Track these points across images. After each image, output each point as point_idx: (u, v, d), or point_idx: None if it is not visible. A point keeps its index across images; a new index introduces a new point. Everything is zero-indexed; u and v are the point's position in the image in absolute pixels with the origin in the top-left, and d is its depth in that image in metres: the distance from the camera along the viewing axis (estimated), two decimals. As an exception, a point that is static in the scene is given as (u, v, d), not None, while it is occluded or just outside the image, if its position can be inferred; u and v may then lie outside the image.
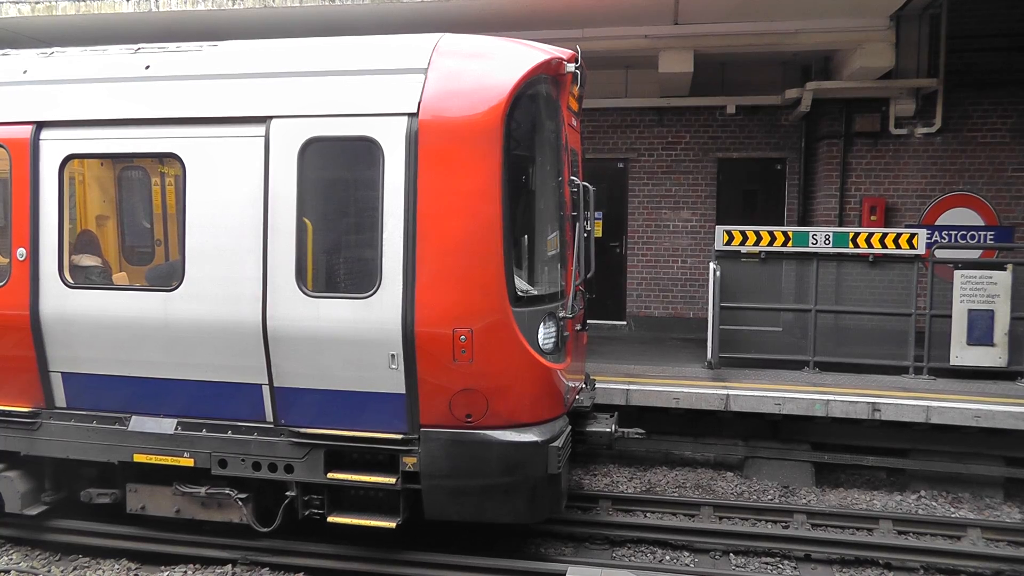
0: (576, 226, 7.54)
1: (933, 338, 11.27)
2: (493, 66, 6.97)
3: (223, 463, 7.41)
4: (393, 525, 7.18)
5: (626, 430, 8.28)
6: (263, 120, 7.09)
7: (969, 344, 11.11)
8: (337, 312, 6.96)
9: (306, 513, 7.45)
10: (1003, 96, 13.22)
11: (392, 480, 7.09)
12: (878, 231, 11.60)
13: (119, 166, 9.16)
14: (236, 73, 7.40)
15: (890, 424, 10.09)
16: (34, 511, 8.01)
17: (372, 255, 6.93)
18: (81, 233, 8.54)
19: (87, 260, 8.05)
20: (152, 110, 7.35)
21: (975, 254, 12.86)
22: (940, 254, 11.95)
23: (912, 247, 11.37)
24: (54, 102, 7.61)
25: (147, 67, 7.58)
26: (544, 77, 7.07)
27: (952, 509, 9.76)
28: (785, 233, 11.54)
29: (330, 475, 7.22)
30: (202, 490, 7.60)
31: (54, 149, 7.53)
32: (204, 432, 7.43)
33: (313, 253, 7.22)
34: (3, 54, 8.25)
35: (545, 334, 7.14)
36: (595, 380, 9.30)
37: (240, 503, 7.54)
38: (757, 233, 11.43)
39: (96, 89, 7.55)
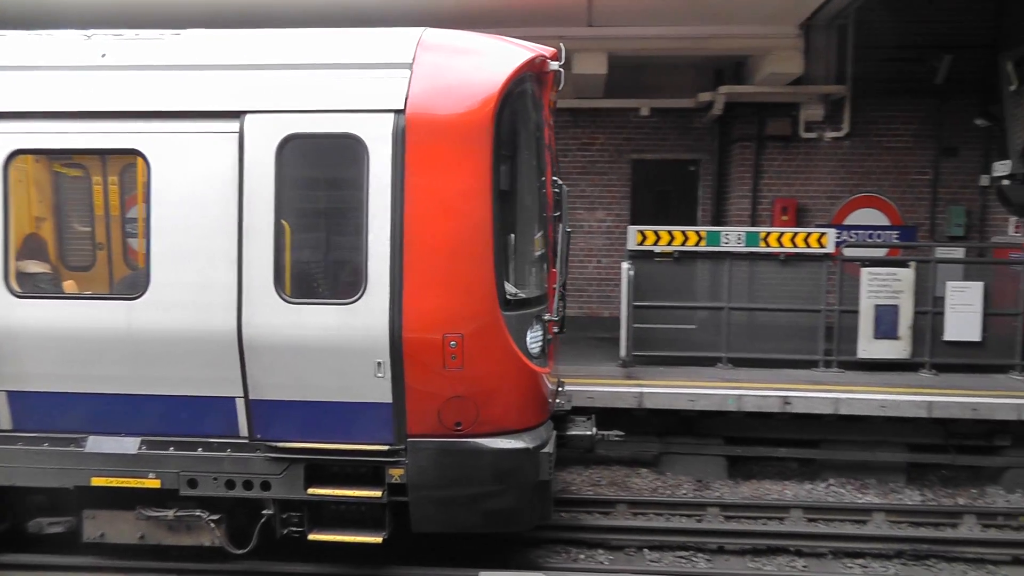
0: (558, 227, 7.45)
1: (842, 333, 11.57)
2: (481, 62, 6.73)
3: (193, 483, 6.88)
4: (379, 540, 6.89)
5: (605, 432, 8.17)
6: (236, 115, 6.62)
7: (876, 338, 11.44)
8: (319, 319, 6.59)
9: (284, 532, 7.06)
10: (906, 104, 13.71)
11: (378, 493, 6.77)
12: (789, 231, 11.89)
13: (57, 164, 8.68)
14: (205, 64, 6.88)
15: (801, 416, 10.31)
16: None
17: (357, 258, 6.60)
18: (27, 237, 7.88)
19: (34, 267, 7.47)
20: (112, 102, 6.76)
21: (881, 252, 13.24)
22: (848, 252, 12.26)
23: (822, 246, 11.67)
24: None
25: (103, 55, 6.95)
26: (530, 75, 6.87)
27: (859, 495, 10.02)
28: (698, 233, 11.73)
29: (311, 491, 6.84)
30: (170, 513, 7.04)
31: None
32: (171, 450, 6.86)
33: (293, 257, 6.80)
34: None
35: (532, 338, 6.94)
36: (564, 382, 9.05)
37: (213, 525, 7.04)
38: (670, 233, 11.58)
39: (46, 77, 6.88)
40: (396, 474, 6.73)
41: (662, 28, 12.48)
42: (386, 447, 6.70)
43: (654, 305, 11.50)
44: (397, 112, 6.48)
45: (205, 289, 6.65)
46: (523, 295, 6.89)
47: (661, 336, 11.57)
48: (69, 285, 8.05)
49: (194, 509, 7.03)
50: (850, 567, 8.27)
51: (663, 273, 11.61)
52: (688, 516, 9.17)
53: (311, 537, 6.98)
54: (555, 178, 7.54)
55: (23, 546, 7.65)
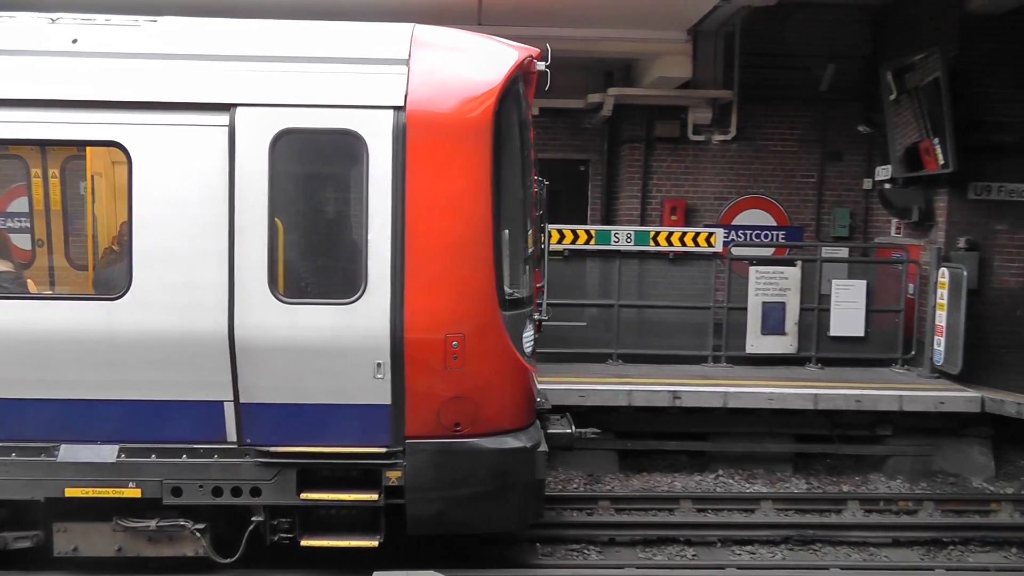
0: (540, 226, 7.31)
1: (730, 329, 11.73)
2: (479, 61, 6.64)
3: (177, 491, 6.51)
4: (376, 544, 6.69)
5: (583, 430, 7.99)
6: (226, 108, 6.33)
7: (763, 334, 11.63)
8: (316, 319, 6.38)
9: (275, 538, 6.76)
10: (791, 110, 13.99)
11: (375, 496, 6.57)
12: (678, 230, 12.03)
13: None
14: (192, 54, 6.51)
15: (691, 410, 10.36)
16: None
17: (356, 257, 6.42)
18: None
19: None
20: (88, 91, 6.32)
21: (768, 252, 13.48)
22: (736, 252, 12.45)
23: (710, 245, 11.83)
24: None
25: (74, 40, 6.47)
26: (520, 74, 6.76)
27: (747, 485, 10.11)
28: (588, 232, 11.77)
29: (303, 496, 6.57)
30: (151, 523, 6.63)
31: None
32: (153, 458, 6.47)
33: (288, 255, 6.56)
34: None
35: (527, 337, 6.89)
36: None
37: (198, 534, 6.67)
38: (560, 232, 11.58)
39: (10, 62, 6.37)
40: (393, 476, 6.56)
41: (552, 29, 12.41)
42: (383, 449, 6.52)
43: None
44: (397, 109, 6.34)
45: (192, 289, 6.33)
46: (518, 295, 6.80)
47: (552, 333, 11.41)
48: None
49: (177, 518, 6.65)
50: (739, 554, 8.31)
51: (554, 271, 11.48)
52: (579, 510, 9.07)
53: (304, 543, 6.70)
54: (540, 178, 7.45)
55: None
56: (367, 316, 6.35)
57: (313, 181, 7.00)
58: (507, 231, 6.66)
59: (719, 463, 10.56)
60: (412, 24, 6.79)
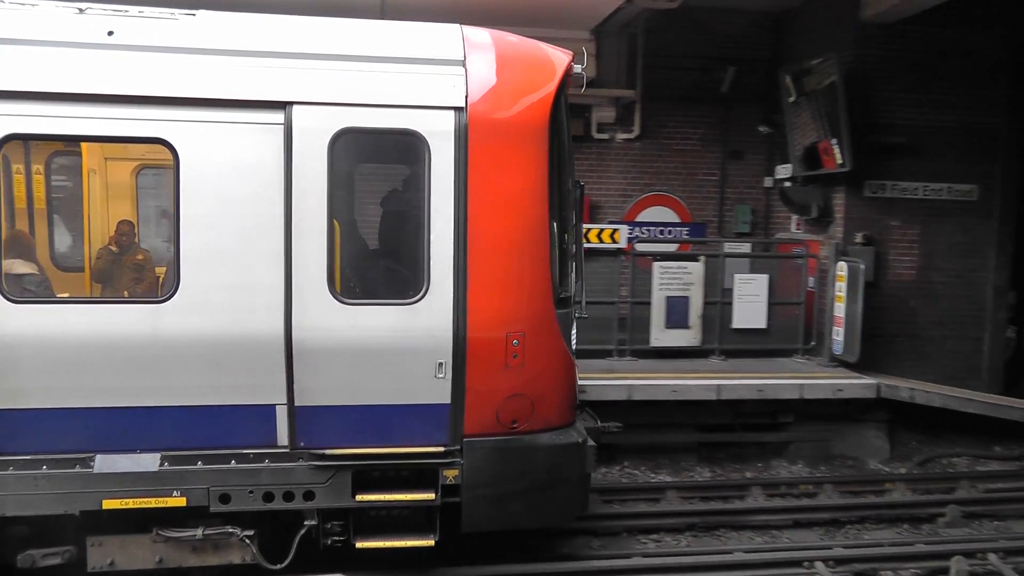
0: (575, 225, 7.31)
1: (635, 323, 11.82)
2: (532, 63, 6.67)
3: (225, 498, 6.23)
4: (432, 543, 6.59)
5: (607, 424, 7.90)
6: (281, 106, 6.13)
7: (667, 327, 11.75)
8: (377, 320, 6.28)
9: (328, 542, 6.61)
10: (693, 110, 14.21)
11: (431, 496, 6.46)
12: (583, 226, 12.02)
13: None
14: (242, 50, 6.25)
15: (595, 404, 10.28)
16: None
17: (417, 257, 6.33)
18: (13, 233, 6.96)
19: (21, 267, 6.54)
20: (130, 86, 5.98)
21: (672, 248, 13.65)
22: (640, 248, 12.59)
23: (615, 241, 11.91)
24: None
25: (111, 32, 6.11)
26: (568, 77, 6.81)
27: (652, 475, 10.15)
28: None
29: (359, 498, 6.39)
30: (197, 532, 6.33)
31: None
32: (200, 465, 6.18)
33: (347, 256, 6.47)
34: None
35: (573, 335, 6.98)
36: None
37: (247, 541, 6.40)
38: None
39: (43, 54, 5.97)
40: (451, 475, 6.50)
41: (455, 26, 12.43)
42: (441, 448, 6.45)
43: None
44: (458, 110, 6.30)
45: (245, 290, 6.13)
46: (566, 293, 6.90)
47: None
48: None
49: (224, 526, 6.38)
50: (644, 543, 8.33)
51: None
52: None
53: (359, 545, 6.55)
54: (577, 179, 7.46)
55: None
56: (429, 316, 6.31)
57: (374, 181, 6.90)
58: (557, 231, 6.76)
59: (625, 455, 10.60)
60: (458, 25, 6.78)
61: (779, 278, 12.46)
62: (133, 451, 6.13)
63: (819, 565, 7.64)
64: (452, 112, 6.29)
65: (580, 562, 7.68)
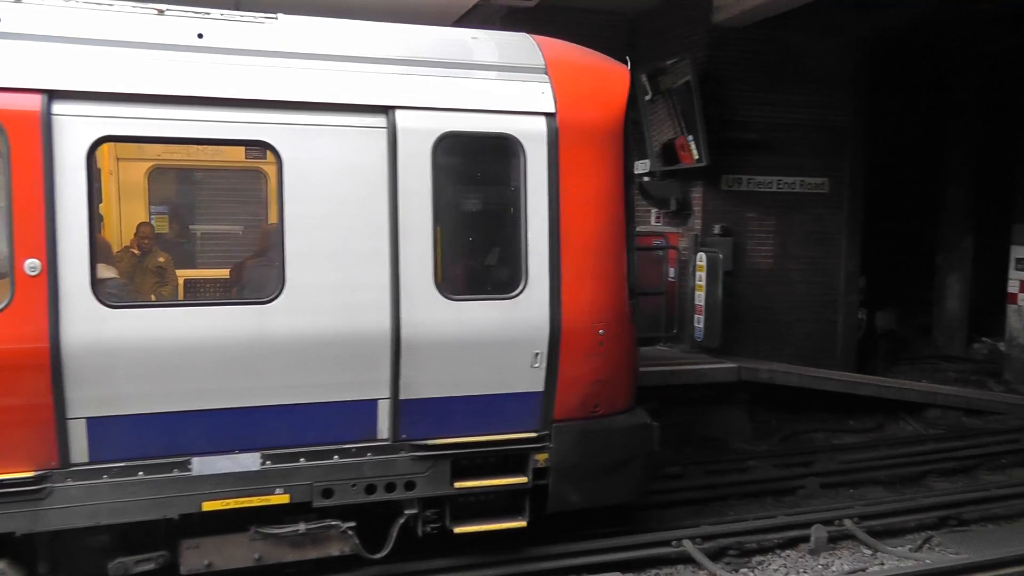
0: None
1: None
2: (605, 72, 7.14)
3: (328, 492, 6.34)
4: (524, 524, 6.97)
5: None
6: (384, 110, 6.28)
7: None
8: (481, 314, 6.58)
9: (428, 529, 6.83)
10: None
11: (524, 479, 6.83)
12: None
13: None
14: (342, 55, 6.34)
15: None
16: None
17: (516, 254, 6.67)
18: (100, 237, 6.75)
19: (105, 271, 6.41)
20: (230, 89, 5.96)
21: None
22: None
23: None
24: (73, 66, 5.65)
25: (200, 35, 6.05)
26: None
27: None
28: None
29: (457, 485, 6.66)
30: (300, 527, 6.41)
31: (78, 128, 5.63)
32: (302, 462, 6.25)
33: (452, 254, 6.76)
34: None
35: (638, 326, 7.42)
36: None
37: (350, 533, 6.53)
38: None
39: (135, 56, 5.81)
40: (541, 459, 6.87)
41: (313, 24, 12.25)
42: (534, 434, 6.82)
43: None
44: (549, 115, 6.68)
45: (351, 289, 6.26)
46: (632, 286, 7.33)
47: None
48: None
49: (324, 519, 6.49)
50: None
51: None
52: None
53: (457, 530, 6.82)
54: None
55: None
56: (528, 309, 6.66)
57: (473, 182, 7.12)
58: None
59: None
60: (525, 34, 7.15)
61: (641, 269, 12.65)
62: (232, 452, 6.14)
63: (687, 543, 7.79)
64: (543, 117, 6.68)
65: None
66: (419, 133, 6.37)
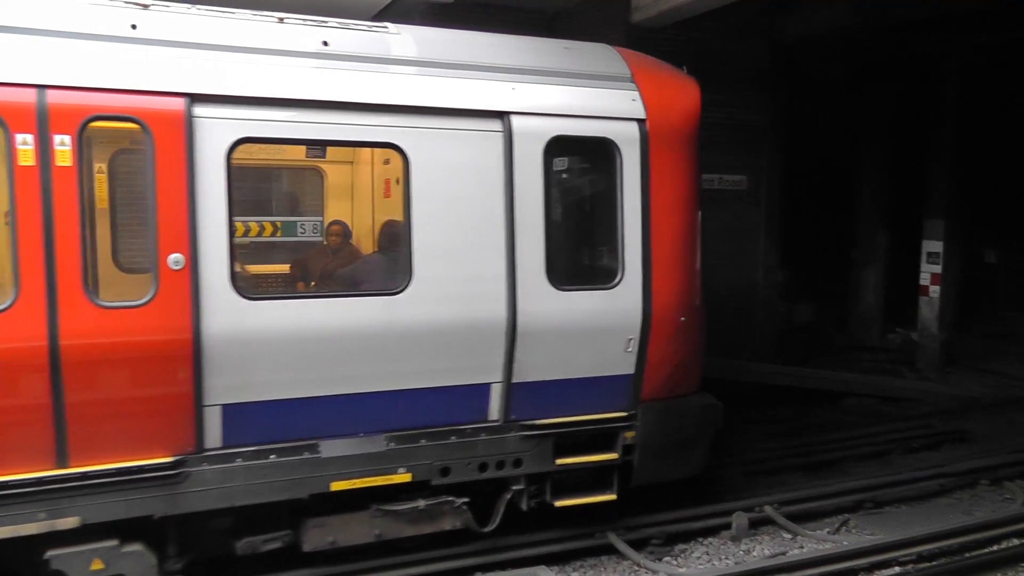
0: None
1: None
2: (680, 82, 7.79)
3: (446, 471, 6.89)
4: (615, 497, 7.58)
5: None
6: (500, 115, 6.84)
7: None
8: (584, 304, 7.15)
9: (533, 504, 7.38)
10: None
11: (615, 455, 7.45)
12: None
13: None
14: (461, 64, 6.88)
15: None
16: None
17: (614, 248, 7.30)
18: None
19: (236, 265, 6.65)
20: (360, 94, 6.39)
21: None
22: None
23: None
24: (212, 72, 5.97)
25: (325, 43, 6.45)
26: None
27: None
28: (274, 224, 11.37)
29: (559, 461, 7.26)
30: (420, 503, 6.91)
31: (218, 130, 5.96)
32: (423, 442, 6.78)
33: (560, 248, 7.22)
34: (90, 3, 5.99)
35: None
36: None
37: (465, 508, 7.08)
38: (246, 224, 11.07)
39: (267, 61, 6.19)
40: (629, 436, 7.49)
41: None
42: (624, 413, 7.44)
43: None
44: (640, 121, 7.30)
45: (472, 281, 6.75)
46: None
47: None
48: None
49: (440, 496, 6.98)
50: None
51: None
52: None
53: (558, 504, 7.41)
54: None
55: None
56: (624, 299, 7.26)
57: (576, 182, 7.74)
58: None
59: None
60: (605, 44, 7.84)
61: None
62: (359, 434, 6.58)
63: (610, 534, 7.90)
64: (635, 123, 7.29)
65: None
66: (532, 136, 6.93)
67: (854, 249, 17.92)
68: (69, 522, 5.78)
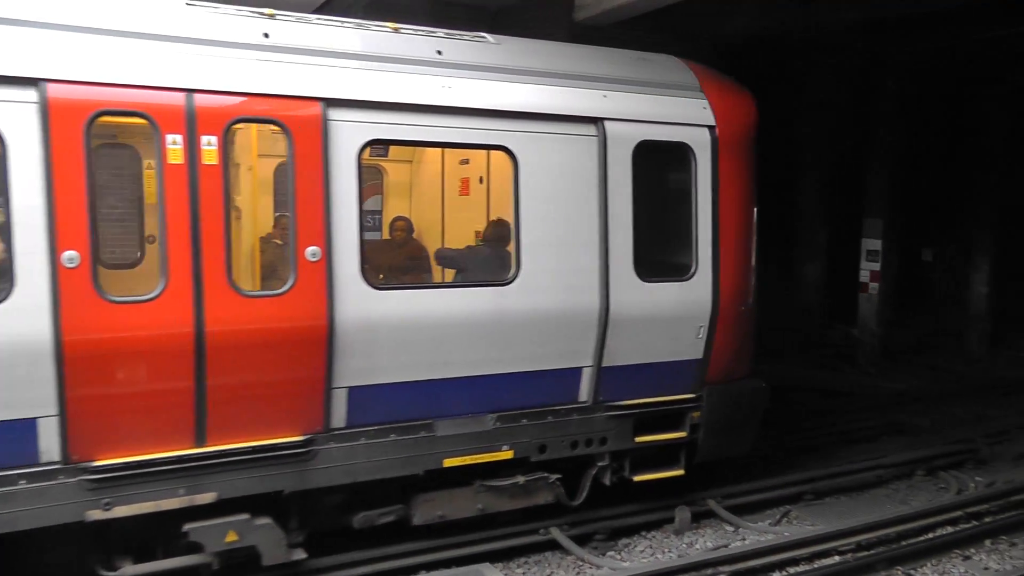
0: None
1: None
2: (739, 93, 8.55)
3: (543, 448, 7.48)
4: (683, 473, 8.30)
5: None
6: (595, 121, 7.45)
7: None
8: (664, 294, 7.83)
9: (615, 479, 8.02)
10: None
11: (683, 434, 8.15)
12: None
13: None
14: (561, 73, 7.52)
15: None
16: (297, 556, 6.69)
17: (688, 244, 7.98)
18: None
19: None
20: (476, 100, 6.97)
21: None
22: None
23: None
24: (344, 78, 6.51)
25: (439, 52, 7.07)
26: None
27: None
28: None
29: (638, 439, 7.93)
30: (520, 479, 7.50)
31: (351, 132, 6.48)
32: (524, 422, 7.36)
33: (645, 243, 7.70)
34: (222, 13, 6.51)
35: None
36: None
37: (558, 483, 7.70)
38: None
39: (390, 68, 6.76)
40: (695, 416, 8.19)
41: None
42: (692, 395, 8.17)
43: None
44: (711, 128, 8.04)
45: (571, 273, 7.38)
46: None
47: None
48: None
49: (536, 472, 7.57)
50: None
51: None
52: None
53: (636, 479, 8.07)
54: None
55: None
56: (697, 290, 7.99)
57: (658, 182, 8.06)
58: None
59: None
60: (671, 56, 8.54)
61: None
62: (469, 414, 7.16)
63: (554, 530, 7.91)
64: (707, 129, 8.02)
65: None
66: (623, 140, 7.55)
67: (796, 247, 18.14)
68: (206, 497, 6.19)
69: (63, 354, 5.58)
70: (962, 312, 18.40)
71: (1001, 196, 17.96)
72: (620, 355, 7.67)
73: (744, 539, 8.27)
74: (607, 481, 7.95)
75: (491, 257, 7.80)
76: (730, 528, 8.53)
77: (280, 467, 6.42)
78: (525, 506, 7.65)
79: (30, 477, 5.70)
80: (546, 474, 7.60)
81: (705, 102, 8.09)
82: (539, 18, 13.38)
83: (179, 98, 5.91)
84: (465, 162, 9.25)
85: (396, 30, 7.10)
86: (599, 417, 7.71)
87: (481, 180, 8.82)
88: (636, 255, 7.62)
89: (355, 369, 6.55)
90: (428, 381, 6.91)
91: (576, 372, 7.58)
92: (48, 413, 5.69)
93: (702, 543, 8.17)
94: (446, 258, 8.32)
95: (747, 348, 8.61)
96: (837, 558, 7.82)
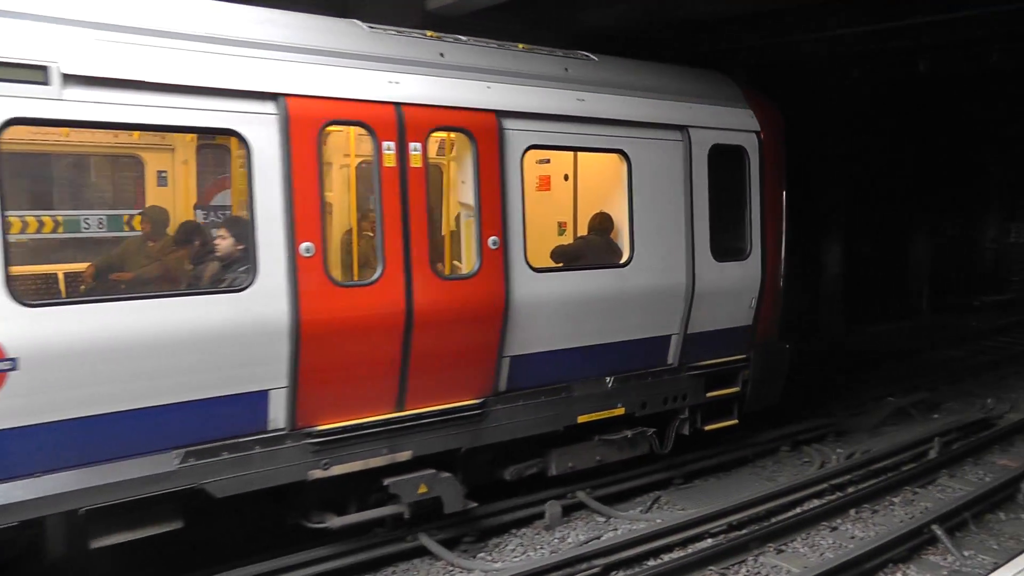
0: None
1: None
2: (769, 104, 10.10)
3: (644, 405, 8.80)
4: (737, 422, 9.92)
5: None
6: (682, 128, 8.94)
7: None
8: (730, 272, 9.37)
9: (693, 430, 9.46)
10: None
11: (737, 389, 9.76)
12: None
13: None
14: (657, 88, 8.96)
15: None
16: (471, 505, 7.72)
17: (744, 230, 9.58)
18: None
19: None
20: (605, 111, 8.29)
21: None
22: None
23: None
24: (510, 93, 7.67)
25: (566, 69, 8.34)
26: None
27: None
28: (55, 219, 10.44)
29: (708, 395, 9.40)
30: (628, 433, 8.78)
31: (518, 139, 7.67)
32: (632, 382, 8.68)
33: (716, 229, 9.20)
34: (395, 33, 7.64)
35: None
36: None
37: (654, 436, 9.08)
38: (23, 220, 10.03)
39: (539, 84, 7.96)
40: (745, 374, 9.80)
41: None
42: (744, 356, 9.76)
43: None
44: (757, 134, 9.69)
45: (668, 256, 8.78)
46: None
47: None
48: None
49: (637, 427, 8.91)
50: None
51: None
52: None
53: (707, 428, 9.60)
54: None
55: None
56: (752, 268, 9.63)
57: (723, 179, 9.35)
58: None
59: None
60: (716, 71, 10.24)
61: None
62: (595, 377, 8.42)
63: (422, 535, 7.65)
64: (755, 135, 9.68)
65: None
66: (703, 144, 9.08)
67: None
68: (404, 455, 7.19)
69: (300, 332, 6.39)
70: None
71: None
72: (699, 324, 9.05)
73: (616, 529, 8.19)
74: (686, 431, 9.37)
75: (602, 244, 8.85)
76: (601, 519, 8.46)
77: (460, 427, 7.50)
78: (629, 456, 8.96)
79: (263, 443, 6.50)
80: (644, 428, 8.90)
81: (751, 112, 9.66)
82: (390, 5, 12.93)
83: (391, 110, 6.92)
84: (545, 161, 10.07)
85: (530, 49, 8.33)
86: (683, 376, 9.10)
87: (566, 177, 9.79)
88: (712, 239, 9.09)
89: (519, 340, 7.69)
90: (567, 349, 8.10)
91: (667, 339, 8.92)
92: (279, 385, 6.50)
93: (574, 536, 8.03)
94: (562, 255, 9.04)
95: (779, 316, 10.24)
96: (710, 541, 7.82)
